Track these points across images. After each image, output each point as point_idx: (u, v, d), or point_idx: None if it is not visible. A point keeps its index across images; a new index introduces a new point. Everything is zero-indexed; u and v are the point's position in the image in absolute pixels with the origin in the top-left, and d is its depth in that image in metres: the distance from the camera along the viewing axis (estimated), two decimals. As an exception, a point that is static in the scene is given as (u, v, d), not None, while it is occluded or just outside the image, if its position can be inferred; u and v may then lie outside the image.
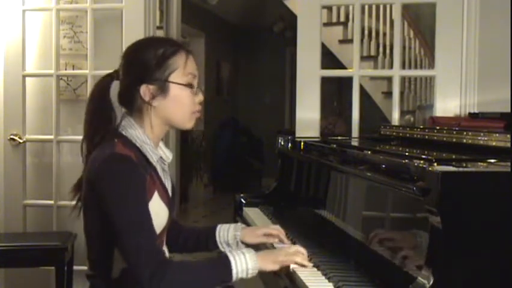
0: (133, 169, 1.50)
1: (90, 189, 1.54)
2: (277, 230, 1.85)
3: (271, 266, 1.56)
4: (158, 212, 1.59)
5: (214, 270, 1.52)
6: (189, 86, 1.62)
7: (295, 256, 1.58)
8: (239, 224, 1.93)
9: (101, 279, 1.61)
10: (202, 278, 1.51)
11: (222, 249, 1.85)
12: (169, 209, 1.67)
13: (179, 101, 1.62)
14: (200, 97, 1.66)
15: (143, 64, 1.59)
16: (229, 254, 1.52)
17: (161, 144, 1.71)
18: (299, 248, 1.63)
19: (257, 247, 1.81)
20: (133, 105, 1.62)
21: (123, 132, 1.61)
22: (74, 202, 1.66)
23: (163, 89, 1.59)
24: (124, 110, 1.66)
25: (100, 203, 1.50)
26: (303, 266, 1.57)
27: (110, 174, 1.50)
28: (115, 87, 1.66)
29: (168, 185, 1.71)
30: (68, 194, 1.68)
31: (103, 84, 1.66)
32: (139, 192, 1.50)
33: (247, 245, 1.82)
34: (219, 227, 1.87)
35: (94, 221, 1.57)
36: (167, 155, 1.71)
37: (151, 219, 1.50)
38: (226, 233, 1.85)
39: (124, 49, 1.69)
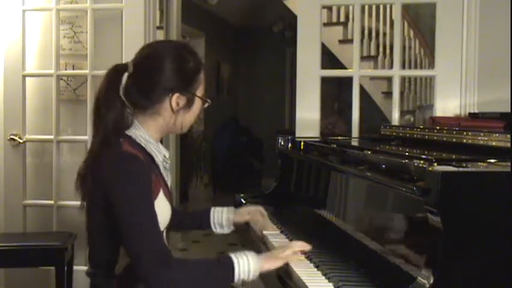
0: (140, 168, 1.52)
1: (97, 187, 1.54)
2: (256, 209, 2.04)
3: (276, 262, 1.59)
4: (164, 209, 1.62)
5: (216, 270, 1.53)
6: (205, 100, 1.69)
7: (294, 246, 1.64)
8: (231, 207, 2.04)
9: (103, 276, 1.62)
10: (204, 278, 1.52)
11: (214, 230, 2.00)
12: (171, 205, 1.70)
13: (195, 112, 1.69)
14: (207, 104, 1.72)
15: (182, 74, 1.63)
16: (232, 255, 1.54)
17: (159, 143, 1.72)
18: (296, 242, 1.69)
19: (258, 247, 1.90)
20: (151, 106, 1.62)
21: (127, 132, 1.61)
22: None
23: (189, 102, 1.65)
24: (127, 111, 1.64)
25: (107, 201, 1.51)
26: (304, 252, 1.65)
27: (119, 173, 1.51)
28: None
29: (169, 183, 1.74)
30: (75, 183, 1.65)
31: (113, 78, 1.62)
32: (146, 192, 1.52)
33: (237, 226, 2.02)
34: (212, 209, 2.00)
35: (99, 217, 1.57)
36: (165, 153, 1.72)
37: (157, 219, 1.52)
38: (220, 215, 1.98)
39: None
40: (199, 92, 1.67)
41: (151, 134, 1.64)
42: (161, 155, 1.67)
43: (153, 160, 1.63)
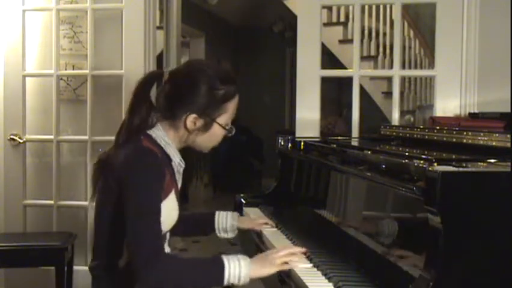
0: (156, 163, 1.58)
1: (112, 175, 1.60)
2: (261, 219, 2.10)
3: (269, 269, 1.57)
4: (173, 209, 1.67)
5: (206, 269, 1.56)
6: (229, 129, 1.73)
7: (292, 254, 1.61)
8: (235, 213, 2.09)
9: (106, 269, 1.66)
10: (194, 275, 1.54)
11: (219, 235, 2.04)
12: (180, 208, 1.74)
13: (213, 137, 1.72)
14: (230, 134, 1.75)
15: (208, 99, 1.66)
16: (224, 257, 1.55)
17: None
18: (293, 247, 1.68)
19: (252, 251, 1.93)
20: (171, 118, 1.68)
21: (148, 132, 1.68)
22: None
23: (207, 126, 1.68)
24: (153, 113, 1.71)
25: (118, 190, 1.57)
26: (304, 252, 1.64)
27: (134, 163, 1.57)
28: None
29: (179, 186, 1.78)
30: (92, 174, 1.72)
31: (147, 82, 1.71)
32: (156, 187, 1.57)
33: (241, 230, 2.06)
34: (217, 214, 2.03)
35: (109, 209, 1.62)
36: (181, 157, 1.77)
37: (160, 213, 1.56)
38: (225, 220, 2.02)
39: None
40: (222, 119, 1.70)
41: (170, 139, 1.70)
42: (178, 159, 1.73)
43: (169, 161, 1.69)
